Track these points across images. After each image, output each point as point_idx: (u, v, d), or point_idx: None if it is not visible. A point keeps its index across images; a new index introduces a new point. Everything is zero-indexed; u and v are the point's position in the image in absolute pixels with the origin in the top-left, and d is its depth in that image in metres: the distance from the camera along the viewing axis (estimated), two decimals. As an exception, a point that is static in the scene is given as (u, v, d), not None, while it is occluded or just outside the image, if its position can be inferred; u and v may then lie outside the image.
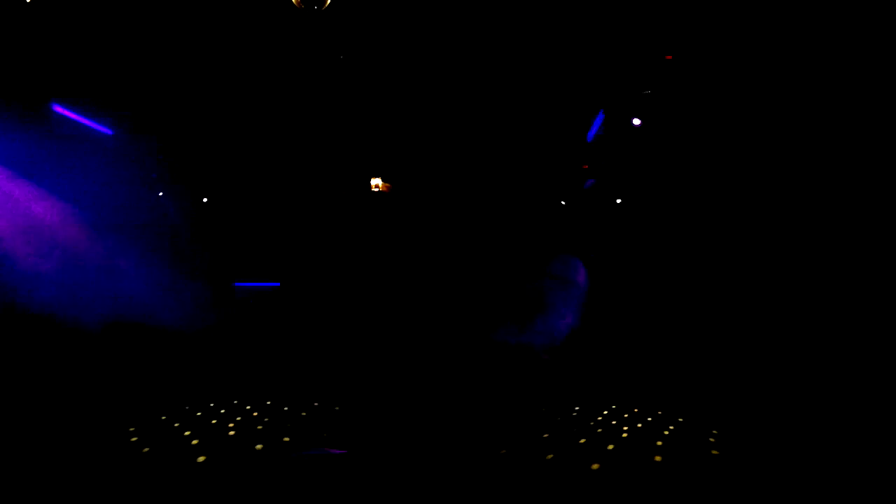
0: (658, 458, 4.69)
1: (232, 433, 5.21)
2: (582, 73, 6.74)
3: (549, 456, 4.76)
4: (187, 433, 5.13)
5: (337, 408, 6.18)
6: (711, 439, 5.23)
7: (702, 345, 7.15)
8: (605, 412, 6.28)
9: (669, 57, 6.72)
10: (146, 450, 4.61)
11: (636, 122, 6.69)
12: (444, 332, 7.57)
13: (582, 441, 5.18)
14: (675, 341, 7.35)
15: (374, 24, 6.10)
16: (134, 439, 4.91)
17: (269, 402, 6.33)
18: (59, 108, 6.18)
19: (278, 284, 7.96)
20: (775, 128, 6.50)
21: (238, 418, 5.70)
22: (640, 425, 5.73)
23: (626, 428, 5.62)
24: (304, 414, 5.93)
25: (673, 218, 7.62)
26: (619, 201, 7.89)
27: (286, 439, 5.06)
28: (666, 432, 5.46)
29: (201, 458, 4.53)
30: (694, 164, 7.29)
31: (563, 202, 7.90)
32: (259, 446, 4.89)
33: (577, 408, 6.47)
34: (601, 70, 6.65)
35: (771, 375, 6.38)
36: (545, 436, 5.33)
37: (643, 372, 7.29)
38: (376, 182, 7.61)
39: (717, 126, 6.85)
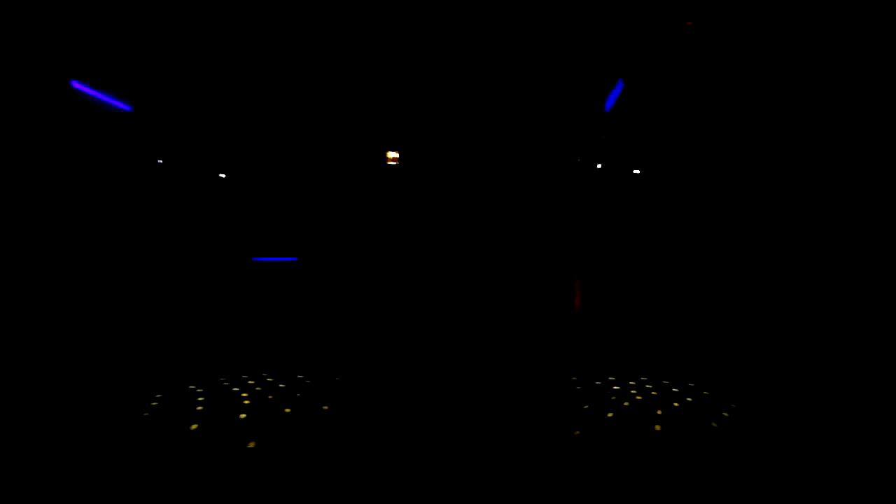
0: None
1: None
2: (599, 41, 6.64)
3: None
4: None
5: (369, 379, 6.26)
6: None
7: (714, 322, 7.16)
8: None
9: (690, 23, 6.60)
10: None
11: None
12: (462, 309, 7.61)
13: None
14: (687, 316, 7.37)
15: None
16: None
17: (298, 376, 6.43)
18: (77, 85, 6.18)
19: (296, 259, 8.01)
20: (804, 95, 6.39)
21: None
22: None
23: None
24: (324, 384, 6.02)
25: (693, 192, 7.56)
26: (636, 172, 7.83)
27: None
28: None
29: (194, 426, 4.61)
30: (717, 134, 7.20)
31: (580, 171, 7.84)
32: (287, 409, 5.02)
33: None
34: (620, 37, 6.55)
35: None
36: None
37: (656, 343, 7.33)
38: (393, 156, 7.58)
39: (739, 96, 6.74)
